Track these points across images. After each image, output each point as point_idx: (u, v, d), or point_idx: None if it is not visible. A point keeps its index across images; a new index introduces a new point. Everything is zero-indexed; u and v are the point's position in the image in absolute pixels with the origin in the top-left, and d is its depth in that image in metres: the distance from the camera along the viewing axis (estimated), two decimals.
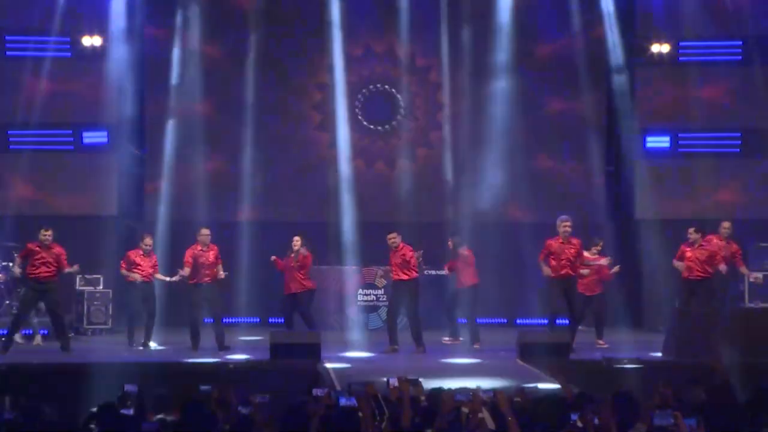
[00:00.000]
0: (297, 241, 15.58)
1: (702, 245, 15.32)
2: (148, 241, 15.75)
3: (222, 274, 15.24)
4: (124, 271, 15.65)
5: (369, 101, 19.21)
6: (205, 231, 15.26)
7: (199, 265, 15.03)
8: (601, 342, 15.90)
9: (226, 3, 18.88)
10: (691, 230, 15.48)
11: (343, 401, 7.87)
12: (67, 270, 15.02)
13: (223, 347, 14.91)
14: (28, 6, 17.48)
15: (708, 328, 14.14)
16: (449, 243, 16.00)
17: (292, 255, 15.57)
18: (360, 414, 7.75)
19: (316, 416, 7.73)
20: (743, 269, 15.90)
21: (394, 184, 19.14)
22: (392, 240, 15.24)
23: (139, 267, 15.59)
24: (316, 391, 8.67)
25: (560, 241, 15.16)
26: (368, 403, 7.91)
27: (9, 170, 17.89)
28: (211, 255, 15.15)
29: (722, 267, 15.30)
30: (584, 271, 15.72)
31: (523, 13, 18.76)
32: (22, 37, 17.82)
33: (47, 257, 14.68)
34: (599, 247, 16.14)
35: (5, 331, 14.96)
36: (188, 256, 15.09)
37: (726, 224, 15.77)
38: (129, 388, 9.03)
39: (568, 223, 15.22)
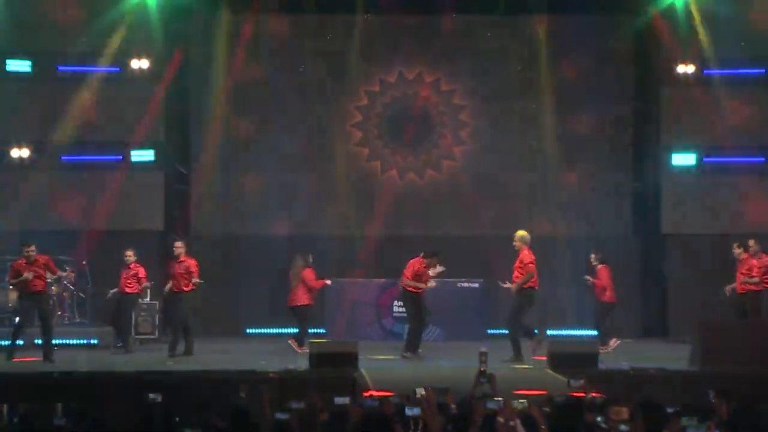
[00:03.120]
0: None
1: (743, 260, 15.35)
2: (128, 253, 16.06)
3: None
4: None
5: (400, 121, 19.23)
6: (178, 244, 15.60)
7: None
8: (603, 348, 15.82)
9: (266, 27, 18.91)
10: (751, 242, 15.45)
11: (407, 411, 7.87)
12: (59, 274, 15.35)
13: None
14: (79, 30, 17.60)
15: (734, 340, 14.09)
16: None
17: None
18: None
19: (352, 422, 7.74)
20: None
21: (426, 201, 19.18)
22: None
23: (125, 281, 15.99)
24: (338, 400, 8.68)
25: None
26: (432, 411, 7.85)
27: (61, 187, 18.03)
28: (183, 266, 15.46)
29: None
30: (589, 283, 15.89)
31: (551, 35, 18.79)
32: (74, 60, 17.91)
33: (36, 271, 14.75)
34: (594, 259, 16.14)
35: (9, 342, 14.96)
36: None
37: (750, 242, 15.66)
38: (153, 396, 9.06)
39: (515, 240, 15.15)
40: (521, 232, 15.17)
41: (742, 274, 15.40)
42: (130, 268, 16.00)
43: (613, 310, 16.33)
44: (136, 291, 16.12)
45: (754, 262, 15.39)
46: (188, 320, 15.42)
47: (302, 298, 16.07)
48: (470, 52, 19.01)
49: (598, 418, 7.92)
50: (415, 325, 15.78)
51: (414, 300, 15.71)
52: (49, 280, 15.23)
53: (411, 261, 15.61)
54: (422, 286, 15.59)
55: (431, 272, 15.84)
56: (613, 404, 8.31)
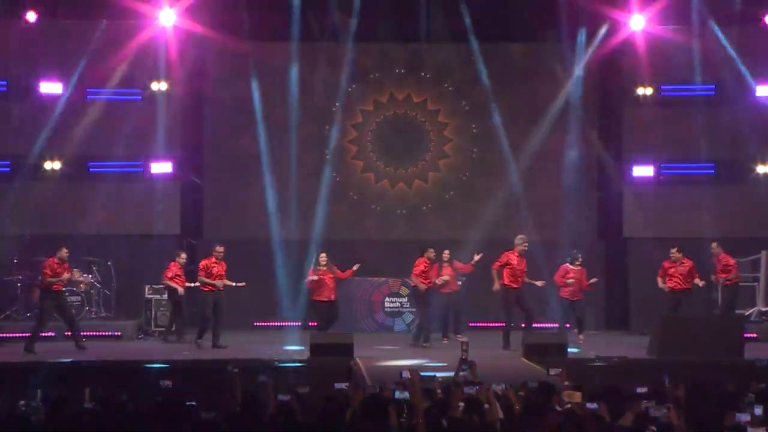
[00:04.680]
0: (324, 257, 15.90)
1: (683, 262, 15.50)
2: (183, 255, 16.15)
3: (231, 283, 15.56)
4: (170, 283, 16.02)
5: (391, 136, 19.25)
6: (221, 248, 15.58)
7: (216, 275, 15.36)
8: (581, 337, 15.89)
9: (271, 52, 18.86)
10: (674, 250, 15.61)
11: (397, 394, 7.87)
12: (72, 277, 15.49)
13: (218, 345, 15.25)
14: (105, 57, 17.60)
15: (687, 332, 14.14)
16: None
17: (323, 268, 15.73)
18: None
19: (352, 406, 7.73)
20: (697, 280, 15.85)
21: (412, 208, 19.20)
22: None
23: (181, 278, 15.89)
24: (337, 385, 8.68)
25: (517, 255, 15.29)
26: (417, 394, 7.83)
27: (89, 195, 18.00)
28: (223, 268, 15.53)
29: (698, 281, 15.49)
30: (569, 281, 15.88)
31: (525, 59, 18.83)
32: (100, 82, 17.89)
33: (62, 272, 14.94)
34: (579, 261, 16.19)
35: (29, 335, 14.91)
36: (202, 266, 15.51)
37: (673, 250, 15.81)
38: (164, 383, 9.01)
39: (527, 244, 15.45)
40: None
41: (681, 274, 15.64)
42: (181, 267, 16.09)
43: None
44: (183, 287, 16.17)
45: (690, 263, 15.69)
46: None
47: (311, 293, 15.94)
48: (454, 77, 19.02)
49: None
50: (422, 320, 15.84)
51: (419, 297, 15.81)
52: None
53: (416, 262, 15.67)
54: (423, 285, 15.59)
55: (438, 281, 15.94)
56: (566, 388, 8.31)
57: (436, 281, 15.88)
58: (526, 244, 15.56)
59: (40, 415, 8.13)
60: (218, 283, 15.39)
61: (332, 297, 15.81)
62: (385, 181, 19.20)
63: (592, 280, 16.25)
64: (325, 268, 15.81)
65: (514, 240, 15.76)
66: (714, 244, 16.11)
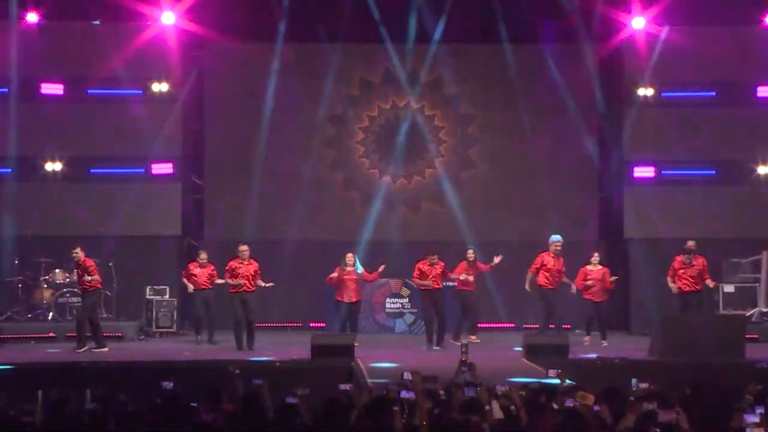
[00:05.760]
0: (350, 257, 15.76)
1: (693, 264, 15.47)
2: (203, 255, 16.11)
3: (261, 283, 15.46)
4: (184, 280, 16.07)
5: (386, 134, 19.18)
6: (244, 247, 15.47)
7: (241, 275, 15.30)
8: (604, 343, 15.84)
9: (271, 52, 18.80)
10: (684, 256, 15.49)
11: (403, 394, 7.85)
12: (94, 276, 15.22)
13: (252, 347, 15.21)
14: (107, 56, 17.59)
15: (689, 333, 14.12)
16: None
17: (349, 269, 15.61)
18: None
19: (357, 407, 7.71)
20: (708, 281, 15.84)
21: (416, 210, 19.17)
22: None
23: (196, 277, 15.84)
24: (343, 386, 8.67)
25: (552, 256, 15.38)
26: (419, 395, 7.81)
27: (89, 196, 17.99)
28: (251, 268, 15.38)
29: (708, 281, 15.52)
30: (589, 282, 15.82)
31: (528, 61, 18.79)
32: (101, 84, 17.88)
33: (77, 272, 15.24)
34: (597, 258, 16.14)
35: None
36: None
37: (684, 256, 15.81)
38: (165, 384, 8.98)
39: (560, 243, 15.59)
40: None
41: (690, 276, 15.62)
42: (205, 268, 16.04)
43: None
44: (210, 287, 16.12)
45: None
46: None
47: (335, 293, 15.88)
48: (454, 78, 18.99)
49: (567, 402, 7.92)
50: (426, 320, 15.82)
51: (422, 297, 15.83)
52: (88, 280, 15.21)
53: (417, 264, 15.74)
54: (428, 283, 15.54)
55: (462, 277, 15.89)
56: (580, 389, 8.30)
57: (460, 278, 15.86)
58: (559, 244, 15.55)
59: (36, 417, 8.10)
60: (233, 282, 15.30)
61: (354, 298, 15.65)
62: (387, 177, 19.14)
63: (612, 278, 16.16)
64: (351, 269, 15.67)
65: (548, 241, 15.88)
66: (691, 243, 15.98)
